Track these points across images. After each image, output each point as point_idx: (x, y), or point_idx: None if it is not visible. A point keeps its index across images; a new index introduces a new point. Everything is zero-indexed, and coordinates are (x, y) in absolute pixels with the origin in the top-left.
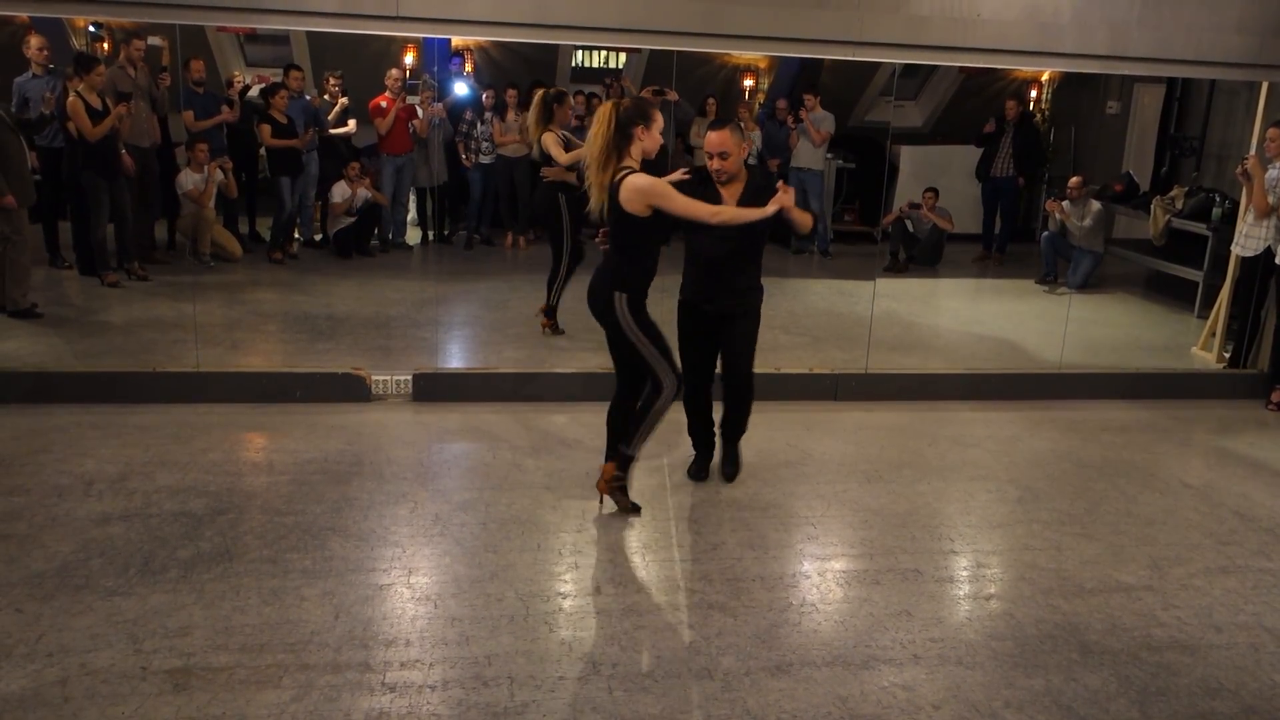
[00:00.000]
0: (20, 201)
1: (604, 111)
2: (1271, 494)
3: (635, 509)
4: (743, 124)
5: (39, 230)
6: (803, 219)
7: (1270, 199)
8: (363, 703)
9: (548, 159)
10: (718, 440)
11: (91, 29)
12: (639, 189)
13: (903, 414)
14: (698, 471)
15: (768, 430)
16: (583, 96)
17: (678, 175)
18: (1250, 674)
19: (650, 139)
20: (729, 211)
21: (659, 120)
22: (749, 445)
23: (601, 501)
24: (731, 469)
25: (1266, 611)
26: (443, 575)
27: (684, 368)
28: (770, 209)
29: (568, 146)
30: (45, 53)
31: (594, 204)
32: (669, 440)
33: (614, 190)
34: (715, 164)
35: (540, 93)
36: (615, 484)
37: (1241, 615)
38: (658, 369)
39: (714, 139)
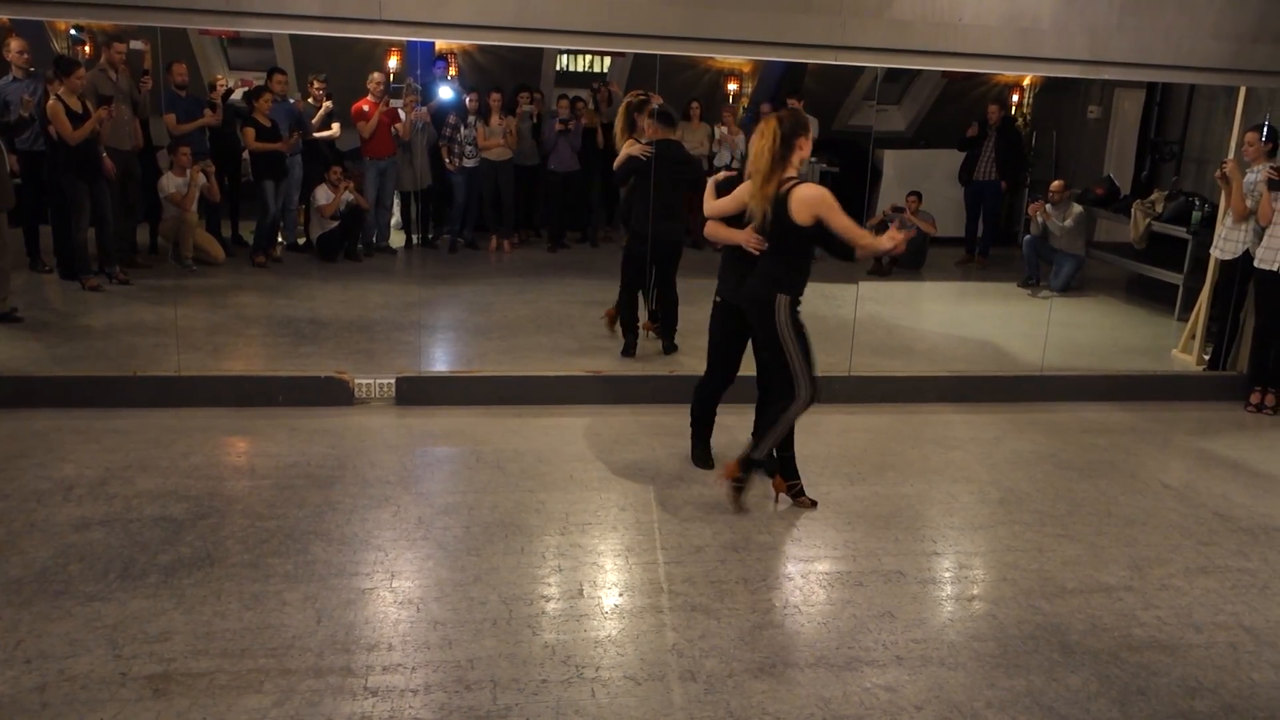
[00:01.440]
0: None
1: (767, 127)
2: (1250, 494)
3: (743, 508)
4: (726, 128)
5: (19, 234)
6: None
7: (1248, 202)
8: (345, 707)
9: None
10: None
11: (73, 32)
12: (809, 200)
13: (886, 416)
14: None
15: (751, 433)
16: (566, 101)
17: (722, 174)
18: (1229, 673)
19: (808, 146)
20: (868, 240)
21: (810, 128)
22: (730, 449)
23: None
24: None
25: (1245, 611)
26: (425, 579)
27: (717, 364)
28: (893, 241)
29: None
30: (25, 56)
31: (756, 214)
32: (649, 443)
33: (782, 200)
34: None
35: (625, 101)
36: (736, 484)
37: (1221, 615)
38: (799, 376)
39: None
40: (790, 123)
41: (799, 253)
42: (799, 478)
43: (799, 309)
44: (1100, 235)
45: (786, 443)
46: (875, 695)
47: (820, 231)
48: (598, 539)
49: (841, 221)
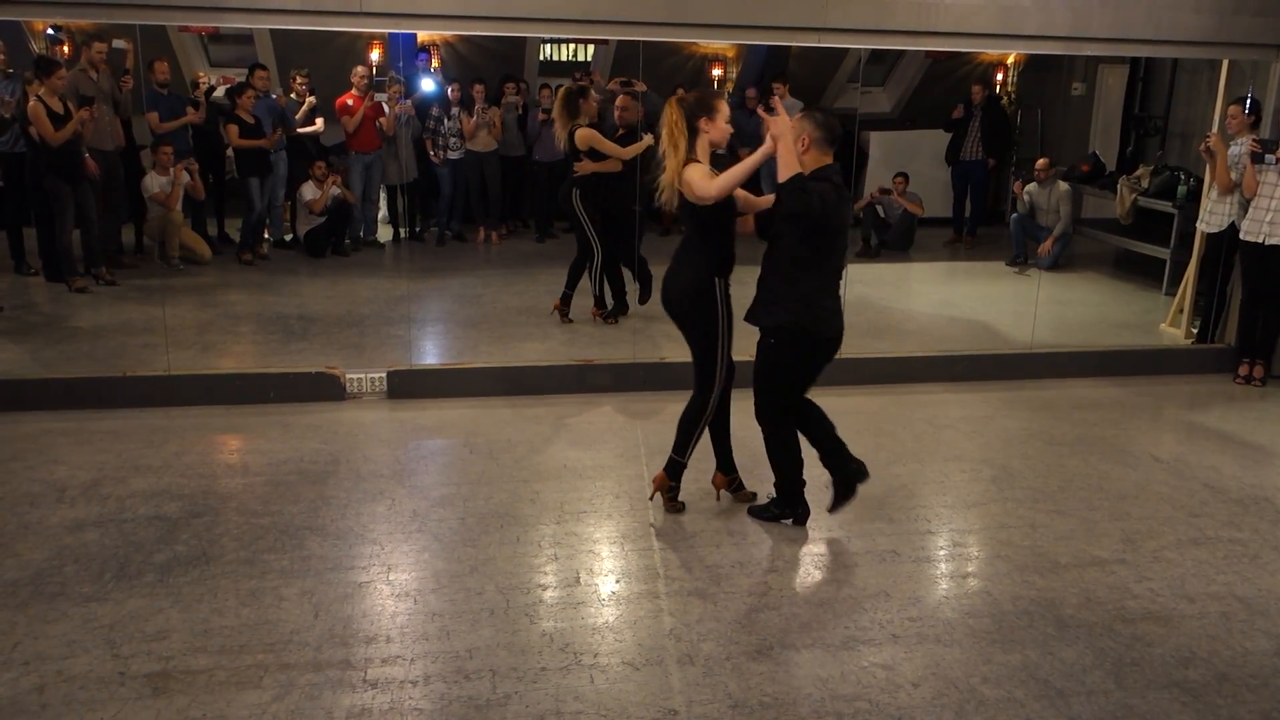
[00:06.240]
0: None
1: (668, 109)
2: (1240, 466)
3: (682, 507)
4: None
5: (3, 237)
6: (788, 164)
7: (1233, 175)
8: (345, 700)
9: (576, 155)
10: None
11: (50, 32)
12: (686, 180)
13: (877, 398)
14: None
15: (743, 417)
16: (549, 90)
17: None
18: (1222, 642)
19: (716, 130)
20: (724, 175)
21: (724, 110)
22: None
23: (651, 499)
24: (759, 510)
25: (1237, 581)
26: (422, 571)
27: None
28: (765, 147)
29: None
30: (2, 57)
31: (665, 200)
32: (642, 430)
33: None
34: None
35: (563, 89)
36: (672, 491)
37: (1213, 585)
38: (716, 369)
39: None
40: (692, 105)
41: (713, 233)
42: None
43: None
44: (1087, 212)
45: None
46: (873, 674)
47: (723, 206)
48: (593, 527)
49: (698, 187)
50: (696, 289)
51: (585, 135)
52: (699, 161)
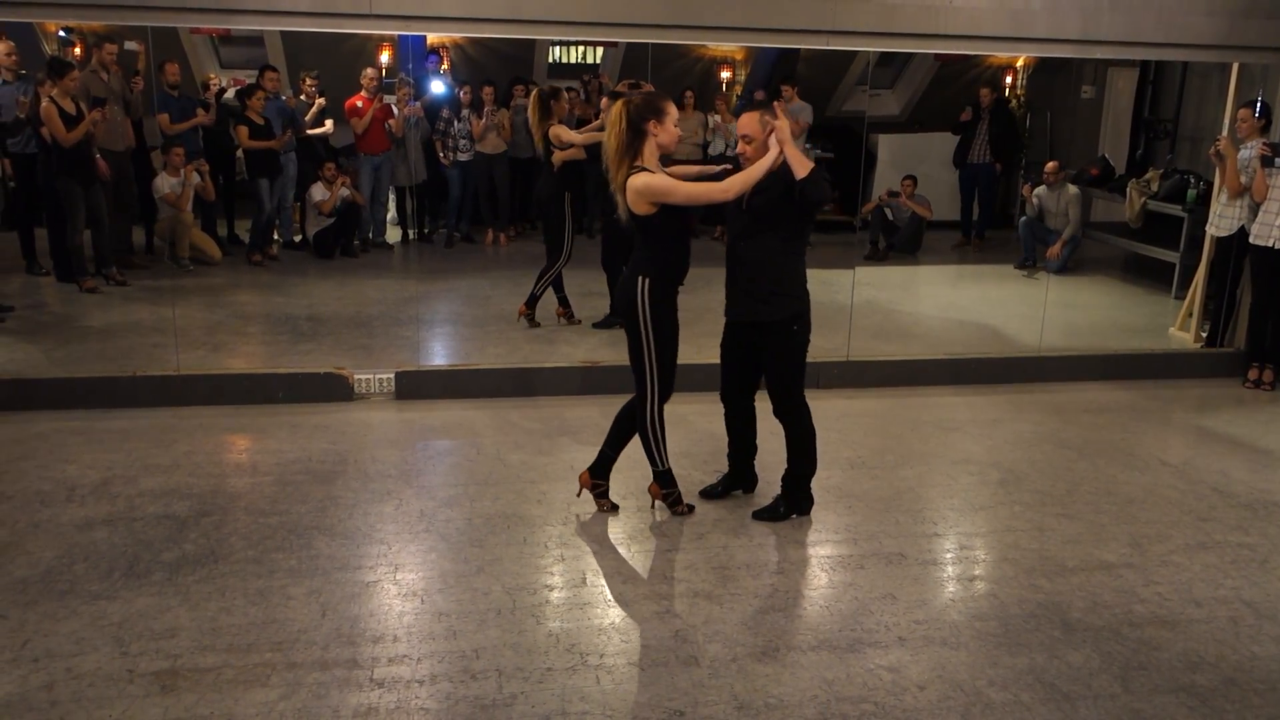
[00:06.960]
0: None
1: (614, 111)
2: (1249, 470)
3: (689, 509)
4: (719, 116)
5: (15, 237)
6: (802, 161)
7: (1243, 179)
8: (351, 699)
9: (551, 152)
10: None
11: (61, 34)
12: (636, 190)
13: (885, 400)
14: (715, 489)
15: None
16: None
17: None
18: (1230, 647)
19: (665, 133)
20: (738, 177)
21: (673, 112)
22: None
23: (579, 495)
24: (765, 511)
25: (1245, 585)
26: (429, 571)
27: (721, 386)
28: (773, 151)
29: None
30: (14, 58)
31: (620, 207)
32: None
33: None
34: (741, 147)
35: (536, 91)
36: (668, 497)
37: (1221, 590)
38: (649, 377)
39: (742, 121)
40: (639, 107)
41: (661, 240)
42: (608, 479)
43: (668, 295)
44: (1096, 215)
45: (614, 442)
46: (878, 676)
47: (675, 211)
48: (600, 528)
49: (682, 194)
50: (628, 291)
51: (555, 130)
52: (647, 169)
